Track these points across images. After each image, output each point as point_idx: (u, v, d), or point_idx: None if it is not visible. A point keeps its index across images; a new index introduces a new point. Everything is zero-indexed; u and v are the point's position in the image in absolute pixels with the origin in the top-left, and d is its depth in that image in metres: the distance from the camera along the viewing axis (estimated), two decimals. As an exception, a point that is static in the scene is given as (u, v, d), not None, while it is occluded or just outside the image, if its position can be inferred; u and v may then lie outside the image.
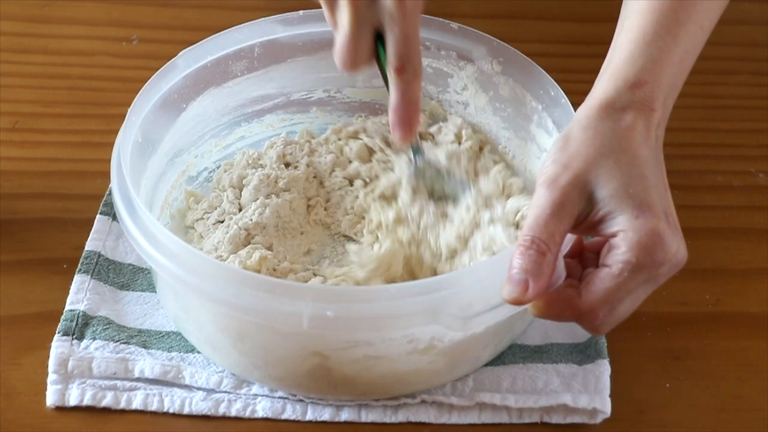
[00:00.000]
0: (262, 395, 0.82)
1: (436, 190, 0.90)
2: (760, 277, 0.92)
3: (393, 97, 0.82)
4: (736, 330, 0.89)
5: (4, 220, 0.94)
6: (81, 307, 0.86)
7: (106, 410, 0.82)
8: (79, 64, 1.10)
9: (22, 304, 0.88)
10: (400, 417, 0.82)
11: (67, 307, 0.86)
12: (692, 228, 0.95)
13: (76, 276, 0.89)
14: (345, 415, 0.82)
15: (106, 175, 0.90)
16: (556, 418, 0.82)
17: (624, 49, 0.77)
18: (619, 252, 0.70)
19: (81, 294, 0.87)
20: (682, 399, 0.84)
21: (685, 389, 0.84)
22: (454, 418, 0.82)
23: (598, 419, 0.82)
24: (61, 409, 0.82)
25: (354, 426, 0.82)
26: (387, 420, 0.82)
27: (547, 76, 0.90)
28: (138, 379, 0.83)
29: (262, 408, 0.82)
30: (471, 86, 0.95)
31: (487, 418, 0.82)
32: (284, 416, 0.82)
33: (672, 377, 0.85)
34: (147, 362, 0.83)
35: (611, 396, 0.83)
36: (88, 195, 0.95)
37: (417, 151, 0.89)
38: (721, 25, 1.16)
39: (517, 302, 0.70)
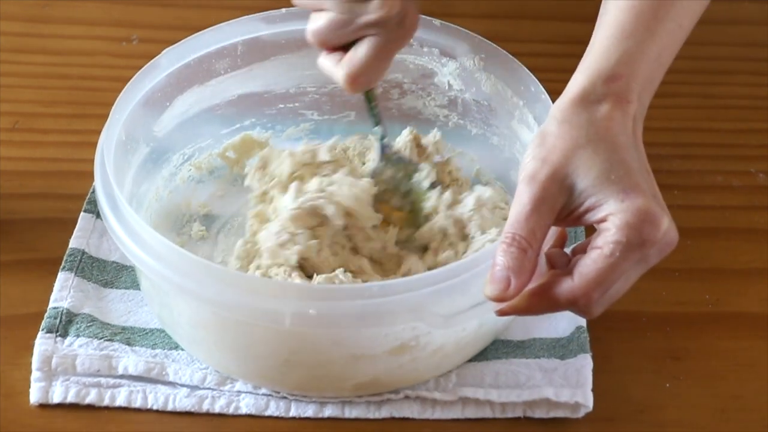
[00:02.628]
0: (246, 392, 0.83)
1: (402, 185, 0.91)
2: (760, 277, 0.92)
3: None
4: (736, 330, 0.89)
5: (4, 220, 0.94)
6: (65, 304, 0.86)
7: (99, 408, 0.82)
8: (79, 64, 1.10)
9: (22, 304, 0.88)
10: (384, 413, 0.82)
11: (51, 304, 0.87)
12: (692, 228, 0.95)
13: (59, 274, 0.89)
14: (328, 412, 0.82)
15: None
16: (538, 413, 0.82)
17: (600, 44, 0.77)
18: (609, 234, 0.70)
19: (65, 292, 0.87)
20: (682, 399, 0.84)
21: (685, 389, 0.84)
22: (438, 413, 0.82)
23: (581, 413, 0.82)
24: (59, 407, 0.82)
25: (337, 422, 0.82)
26: (370, 416, 0.82)
27: (528, 72, 0.91)
28: (122, 376, 0.83)
29: (246, 405, 0.82)
30: (454, 83, 0.96)
31: (471, 413, 0.82)
32: (268, 413, 0.82)
33: (672, 377, 0.85)
34: (131, 359, 0.83)
35: (611, 396, 0.83)
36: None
37: (383, 139, 0.90)
38: (721, 25, 1.17)
39: (499, 299, 0.70)
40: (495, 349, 0.85)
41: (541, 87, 0.89)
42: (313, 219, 0.86)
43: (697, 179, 1.00)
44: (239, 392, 0.83)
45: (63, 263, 0.89)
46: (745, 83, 1.11)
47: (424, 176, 0.92)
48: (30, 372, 0.83)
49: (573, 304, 0.71)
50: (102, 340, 0.84)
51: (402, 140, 0.95)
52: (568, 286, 0.70)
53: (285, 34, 0.94)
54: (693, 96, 1.09)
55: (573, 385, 0.82)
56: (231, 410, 0.82)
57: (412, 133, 0.95)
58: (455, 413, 0.82)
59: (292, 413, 0.82)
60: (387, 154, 0.91)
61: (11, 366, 0.84)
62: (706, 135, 1.05)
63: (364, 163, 0.96)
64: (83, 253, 0.90)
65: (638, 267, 0.71)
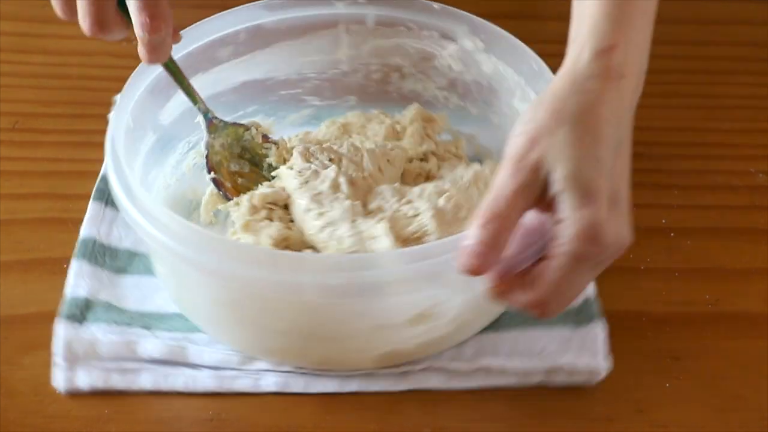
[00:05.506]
0: (268, 370, 0.83)
1: (234, 149, 0.93)
2: (760, 277, 0.92)
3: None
4: (736, 330, 0.89)
5: (4, 220, 0.94)
6: (82, 292, 0.87)
7: (114, 393, 0.83)
8: (79, 64, 1.10)
9: (22, 304, 0.88)
10: (405, 385, 0.83)
11: (68, 293, 0.87)
12: (692, 228, 0.95)
13: (72, 261, 0.89)
14: (352, 386, 0.82)
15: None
16: (556, 379, 0.83)
17: (589, 19, 0.76)
18: (560, 243, 0.71)
19: (80, 279, 0.88)
20: (682, 399, 0.84)
21: (685, 389, 0.84)
22: (457, 383, 0.83)
23: (598, 377, 0.83)
24: (71, 398, 0.82)
25: (360, 396, 0.82)
26: (393, 389, 0.83)
27: (529, 50, 0.91)
28: (144, 360, 0.83)
29: (269, 383, 0.82)
30: (455, 65, 0.96)
31: (490, 382, 0.83)
32: (291, 390, 0.82)
33: (672, 377, 0.85)
34: (151, 343, 0.84)
35: (611, 396, 0.83)
36: (88, 195, 0.95)
37: (206, 113, 0.91)
38: (721, 25, 1.17)
39: (470, 273, 0.71)
40: (508, 318, 0.86)
41: (544, 65, 0.90)
42: (261, 212, 0.87)
43: (697, 179, 1.00)
44: (261, 370, 0.83)
45: (75, 251, 0.90)
46: (745, 83, 1.11)
47: (254, 133, 0.93)
48: (32, 372, 0.83)
49: (530, 309, 0.72)
50: (121, 325, 0.85)
51: (408, 114, 0.96)
52: (524, 296, 0.72)
53: (286, 21, 0.94)
54: (693, 96, 1.09)
55: (588, 351, 0.84)
56: (254, 388, 0.82)
57: (417, 108, 0.96)
58: (476, 382, 0.83)
59: (315, 389, 0.82)
60: (213, 125, 0.92)
61: (11, 366, 0.84)
62: (706, 135, 1.05)
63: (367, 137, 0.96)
64: (95, 241, 0.91)
65: (591, 271, 0.72)
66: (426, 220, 0.84)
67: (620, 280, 0.91)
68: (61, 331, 0.84)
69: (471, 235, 0.71)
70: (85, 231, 0.92)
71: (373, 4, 0.95)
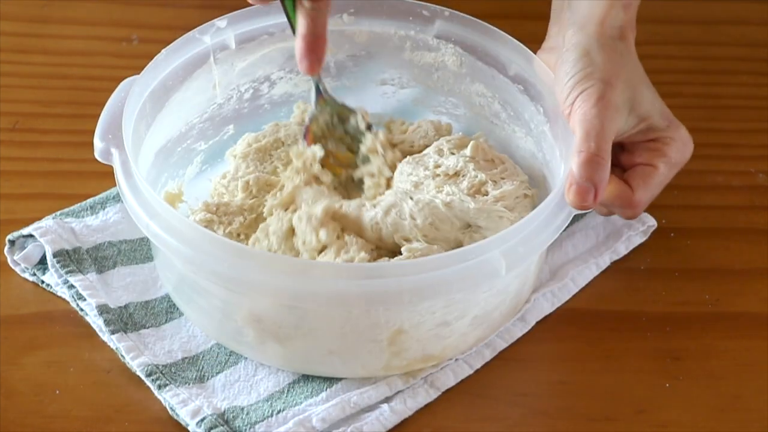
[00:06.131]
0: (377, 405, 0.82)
1: (337, 129, 0.92)
2: (760, 277, 0.92)
3: (301, 25, 0.84)
4: (736, 330, 0.89)
5: (4, 220, 0.94)
6: (205, 409, 0.80)
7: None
8: (79, 64, 1.10)
9: (22, 304, 0.88)
10: (490, 353, 0.85)
11: (187, 421, 0.80)
12: (692, 228, 0.95)
13: (162, 393, 0.82)
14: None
15: (105, 175, 0.90)
16: (620, 251, 0.92)
17: None
18: (670, 156, 0.86)
19: (181, 404, 0.81)
20: (682, 399, 0.84)
21: (685, 389, 0.84)
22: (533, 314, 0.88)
23: (649, 233, 0.93)
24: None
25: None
26: (488, 356, 0.85)
27: (416, 2, 0.93)
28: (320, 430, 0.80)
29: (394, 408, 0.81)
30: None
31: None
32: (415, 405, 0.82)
33: (672, 377, 0.85)
34: (322, 410, 0.80)
35: (611, 396, 0.83)
36: (88, 195, 0.95)
37: (318, 85, 0.91)
38: (721, 25, 1.17)
39: (583, 207, 0.80)
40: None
41: (438, 7, 0.92)
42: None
43: (697, 179, 1.00)
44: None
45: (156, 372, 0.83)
46: (745, 83, 1.11)
47: (359, 119, 0.92)
48: (32, 372, 0.83)
49: (627, 211, 0.87)
50: (273, 416, 0.80)
51: (298, 113, 0.96)
52: (629, 197, 0.86)
53: (170, 76, 0.91)
54: (693, 96, 1.09)
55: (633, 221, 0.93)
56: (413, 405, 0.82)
57: (304, 106, 0.96)
58: (546, 309, 0.88)
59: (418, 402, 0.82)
60: (323, 99, 0.91)
61: (11, 366, 0.84)
62: (706, 135, 1.05)
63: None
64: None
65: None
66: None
67: (620, 280, 0.91)
68: None
69: (578, 173, 0.80)
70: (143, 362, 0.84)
71: (232, 26, 0.93)
